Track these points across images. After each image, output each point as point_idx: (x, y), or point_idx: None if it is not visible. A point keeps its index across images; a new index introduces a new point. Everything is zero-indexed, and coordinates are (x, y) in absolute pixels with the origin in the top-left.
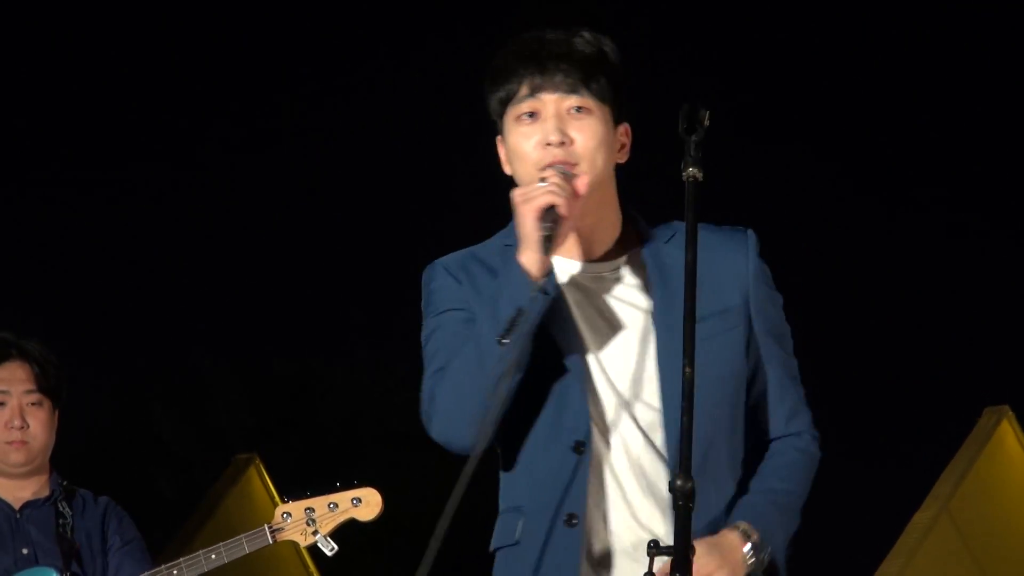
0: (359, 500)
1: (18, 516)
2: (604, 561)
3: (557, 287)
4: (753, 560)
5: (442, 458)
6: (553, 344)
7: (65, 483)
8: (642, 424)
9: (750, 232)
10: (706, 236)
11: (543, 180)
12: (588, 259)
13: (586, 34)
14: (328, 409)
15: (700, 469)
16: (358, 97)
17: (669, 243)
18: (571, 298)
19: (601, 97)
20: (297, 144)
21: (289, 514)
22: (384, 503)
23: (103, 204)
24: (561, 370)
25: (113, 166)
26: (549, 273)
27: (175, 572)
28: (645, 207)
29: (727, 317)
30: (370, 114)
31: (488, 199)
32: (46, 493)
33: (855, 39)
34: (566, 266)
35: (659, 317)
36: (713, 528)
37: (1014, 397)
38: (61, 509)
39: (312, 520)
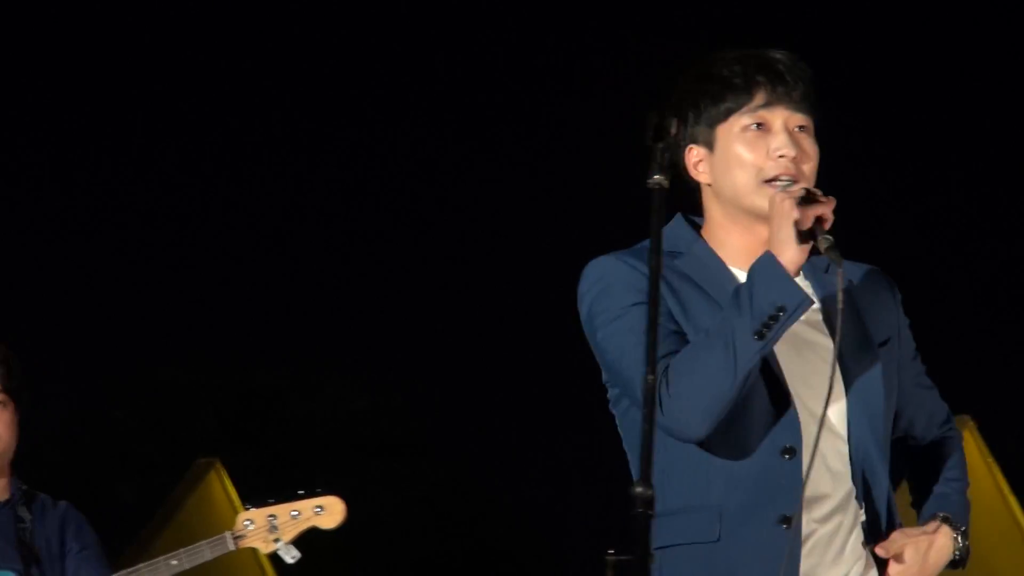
0: (322, 508)
1: None
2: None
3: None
4: (960, 548)
5: (401, 464)
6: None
7: (25, 487)
8: (830, 439)
9: (883, 272)
10: (848, 267)
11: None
12: (744, 268)
13: (790, 51)
14: (290, 414)
15: (863, 487)
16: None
17: (828, 273)
18: None
19: (815, 115)
20: (264, 154)
21: (251, 521)
22: (346, 510)
23: (69, 207)
24: (767, 377)
25: (76, 166)
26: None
27: None
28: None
29: (891, 347)
30: (335, 127)
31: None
32: (6, 496)
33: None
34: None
35: (844, 345)
36: (874, 539)
37: (975, 406)
38: (20, 513)
39: (274, 527)
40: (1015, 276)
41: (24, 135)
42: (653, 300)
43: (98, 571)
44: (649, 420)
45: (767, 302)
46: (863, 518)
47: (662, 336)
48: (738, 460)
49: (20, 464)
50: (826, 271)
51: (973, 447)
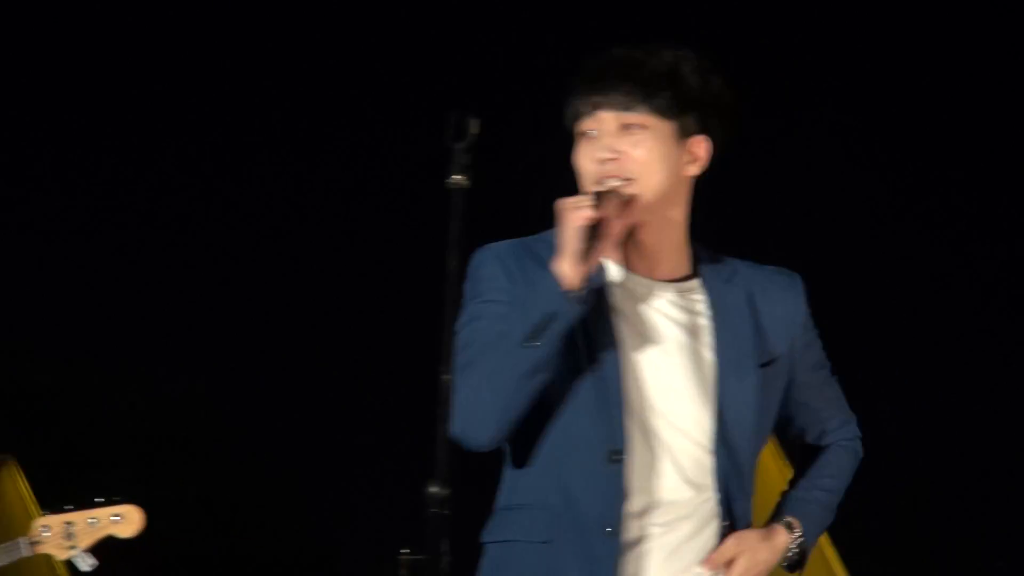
0: (119, 516)
1: None
2: (637, 570)
3: (595, 298)
4: (794, 551)
5: (197, 462)
6: (596, 353)
7: None
8: (690, 448)
9: (798, 278)
10: (758, 276)
11: (597, 193)
12: (649, 275)
13: (663, 50)
14: (86, 412)
15: (738, 492)
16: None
17: (729, 283)
18: (623, 310)
19: (662, 112)
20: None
21: (48, 527)
22: (144, 519)
23: None
24: (600, 379)
25: None
26: (588, 284)
27: None
28: None
29: (780, 361)
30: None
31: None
32: None
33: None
34: (625, 278)
35: (721, 354)
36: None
37: None
38: None
39: (71, 535)
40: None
41: None
42: (451, 298)
43: None
44: (444, 419)
45: (537, 309)
46: (722, 530)
47: (485, 328)
48: (570, 463)
49: None
50: (728, 280)
51: (768, 454)
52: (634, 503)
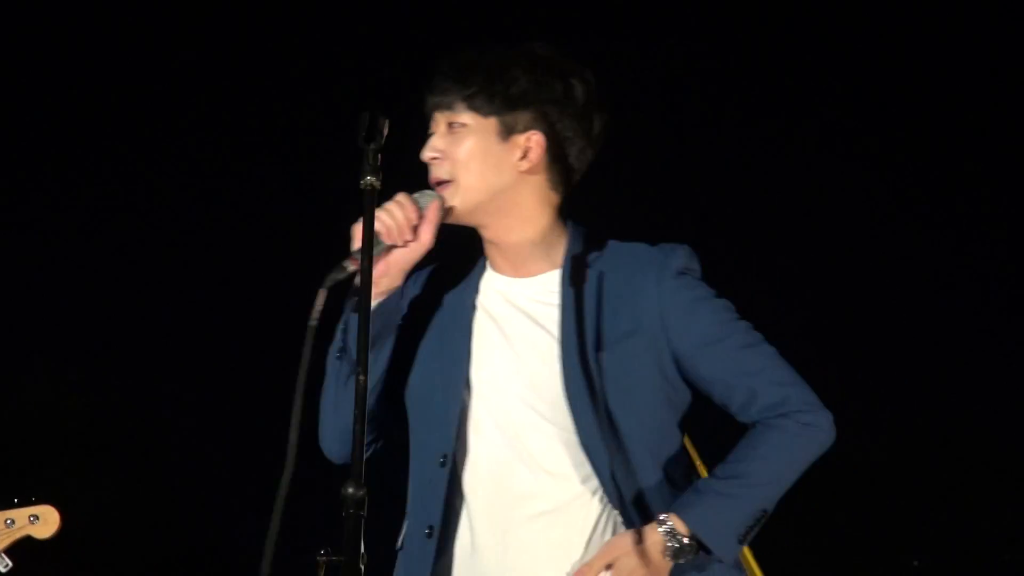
0: (36, 517)
1: None
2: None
3: (392, 302)
4: (673, 544)
5: (113, 464)
6: (448, 359)
7: None
8: (527, 446)
9: (673, 250)
10: (622, 257)
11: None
12: (513, 274)
13: (496, 50)
14: (7, 410)
15: (626, 477)
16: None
17: (589, 268)
18: (484, 312)
19: (480, 110)
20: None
21: None
22: (62, 520)
23: None
24: (445, 385)
25: None
26: (386, 294)
27: None
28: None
29: (635, 340)
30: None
31: None
32: None
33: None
34: (491, 281)
35: (564, 343)
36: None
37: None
38: None
39: None
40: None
41: None
42: (364, 305)
43: None
44: (360, 420)
45: (342, 320)
46: (613, 518)
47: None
48: (416, 469)
49: None
50: (589, 266)
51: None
52: (470, 504)
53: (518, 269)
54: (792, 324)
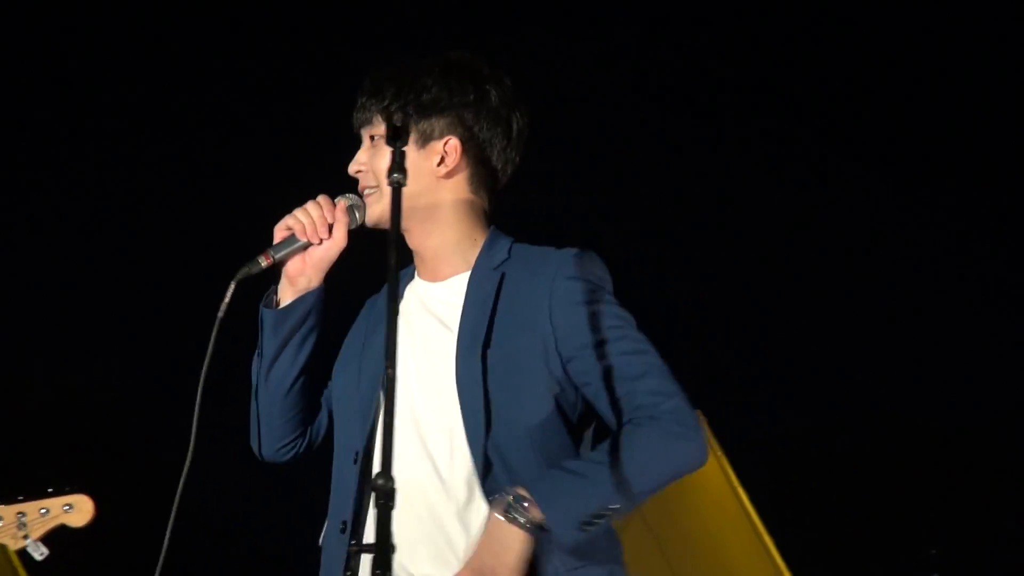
0: (71, 506)
1: None
2: (361, 568)
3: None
4: (517, 517)
5: (142, 464)
6: (366, 362)
7: None
8: (425, 441)
9: (575, 254)
10: (534, 258)
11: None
12: (432, 278)
13: (408, 62)
14: (37, 404)
15: (504, 477)
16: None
17: (499, 267)
18: (404, 317)
19: (393, 121)
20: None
21: (0, 518)
22: (95, 508)
23: None
24: (360, 386)
25: None
26: (296, 294)
27: None
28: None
29: (524, 338)
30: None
31: None
32: None
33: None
34: (412, 285)
35: (459, 340)
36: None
37: (705, 402)
38: None
39: (23, 524)
40: (742, 275)
41: None
42: (392, 295)
43: None
44: (389, 414)
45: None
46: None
47: None
48: (335, 469)
49: None
50: (496, 267)
51: (713, 467)
52: (365, 502)
53: (435, 273)
54: (809, 316)
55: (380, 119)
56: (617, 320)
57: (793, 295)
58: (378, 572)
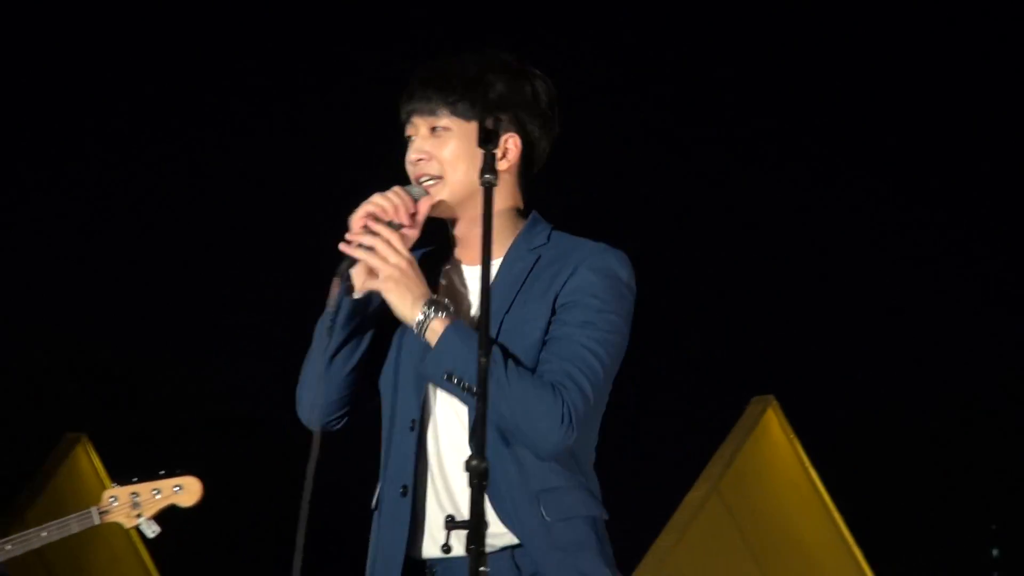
0: (180, 487)
1: None
2: (424, 529)
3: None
4: (429, 313)
5: (255, 443)
6: (413, 340)
7: None
8: (459, 410)
9: (600, 247)
10: (569, 245)
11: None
12: (466, 261)
13: (472, 59)
14: (150, 393)
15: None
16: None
17: (536, 249)
18: (443, 296)
19: (462, 115)
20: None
21: (116, 498)
22: (204, 489)
23: None
24: (416, 357)
25: None
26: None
27: (8, 547)
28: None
29: (535, 307)
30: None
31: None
32: None
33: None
34: (450, 267)
35: (481, 308)
36: (513, 500)
37: (778, 387)
38: None
39: (137, 504)
40: (815, 262)
41: None
42: (485, 289)
43: None
44: (483, 399)
45: (336, 300)
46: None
47: None
48: (388, 435)
49: None
50: (529, 251)
51: (776, 425)
52: (432, 466)
53: (476, 257)
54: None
55: (446, 112)
56: (599, 317)
57: (865, 285)
58: (472, 547)
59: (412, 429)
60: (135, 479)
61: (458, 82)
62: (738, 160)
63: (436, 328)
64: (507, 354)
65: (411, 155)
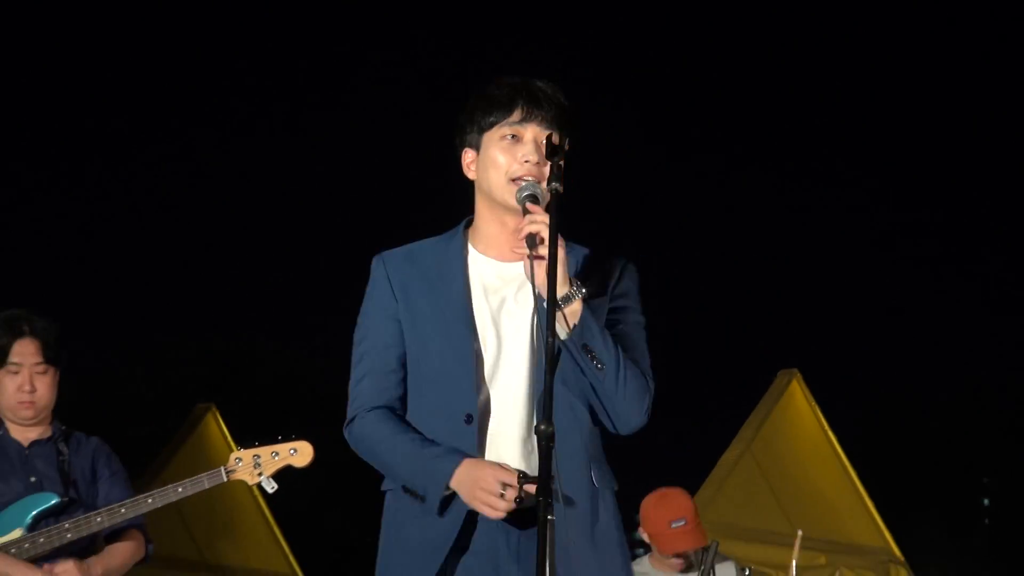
0: (295, 450)
1: (27, 452)
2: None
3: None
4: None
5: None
6: (441, 324)
7: (64, 427)
8: (518, 396)
9: (624, 259)
10: (590, 253)
11: (526, 204)
12: (491, 255)
13: (548, 81)
14: (268, 371)
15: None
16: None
17: (576, 256)
18: (482, 291)
19: (564, 132)
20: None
21: (240, 459)
22: (314, 453)
23: (99, 201)
24: (457, 352)
25: (98, 159)
26: None
27: (150, 500)
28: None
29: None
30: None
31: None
32: (49, 434)
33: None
34: (485, 264)
35: (539, 312)
36: (575, 463)
37: (801, 362)
38: (60, 447)
39: (258, 464)
40: (835, 240)
41: None
42: (551, 274)
43: (124, 492)
44: (551, 373)
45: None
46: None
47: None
48: (435, 427)
49: (58, 410)
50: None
51: (800, 394)
52: (488, 454)
53: (503, 255)
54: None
55: (555, 128)
56: (642, 319)
57: (877, 278)
58: (540, 498)
59: (468, 422)
60: (256, 443)
61: (566, 109)
62: (774, 149)
63: (576, 307)
64: (628, 360)
65: (531, 155)
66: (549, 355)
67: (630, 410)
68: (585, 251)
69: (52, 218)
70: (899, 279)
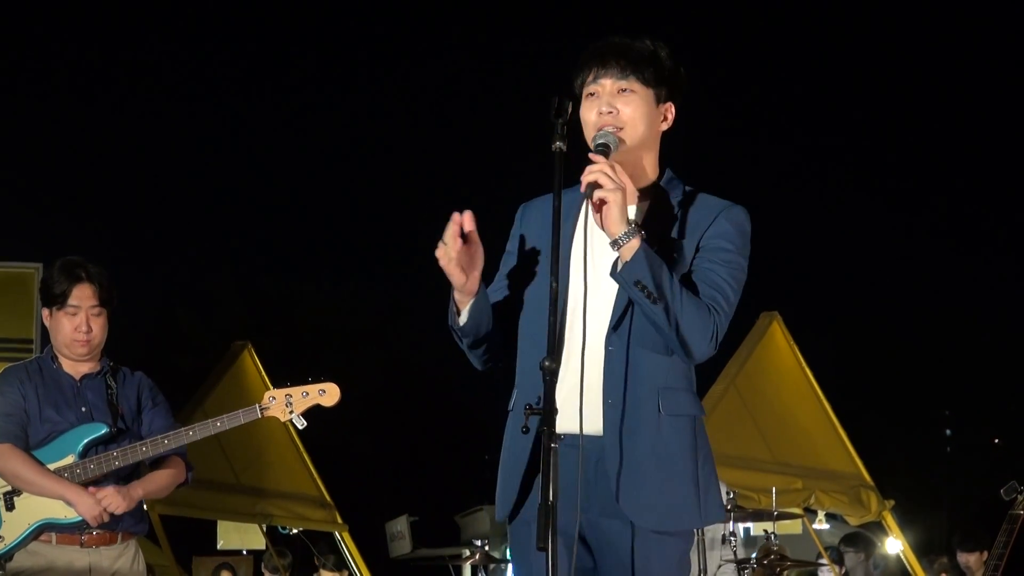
0: (324, 391)
1: (79, 385)
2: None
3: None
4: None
5: (381, 353)
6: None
7: (112, 363)
8: (596, 339)
9: (733, 205)
10: (702, 200)
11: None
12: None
13: (646, 39)
14: (301, 313)
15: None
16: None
17: (674, 202)
18: (589, 236)
19: (645, 83)
20: (295, 103)
21: (274, 398)
22: (341, 393)
23: (154, 147)
24: (554, 295)
25: (144, 99)
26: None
27: (191, 433)
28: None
29: (685, 243)
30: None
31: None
32: (98, 369)
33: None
34: (587, 209)
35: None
36: (641, 391)
37: (781, 305)
38: (109, 381)
39: (290, 403)
40: (811, 189)
41: None
42: (555, 246)
43: (166, 421)
44: (553, 313)
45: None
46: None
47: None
48: (527, 352)
49: (108, 347)
50: (675, 200)
51: (780, 334)
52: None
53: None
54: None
55: (634, 78)
56: (734, 258)
57: (853, 228)
58: (543, 428)
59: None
60: (288, 383)
61: (642, 55)
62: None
63: (633, 244)
64: (690, 295)
65: (601, 107)
66: (553, 297)
67: (692, 340)
68: (687, 189)
69: (104, 164)
70: (872, 225)
